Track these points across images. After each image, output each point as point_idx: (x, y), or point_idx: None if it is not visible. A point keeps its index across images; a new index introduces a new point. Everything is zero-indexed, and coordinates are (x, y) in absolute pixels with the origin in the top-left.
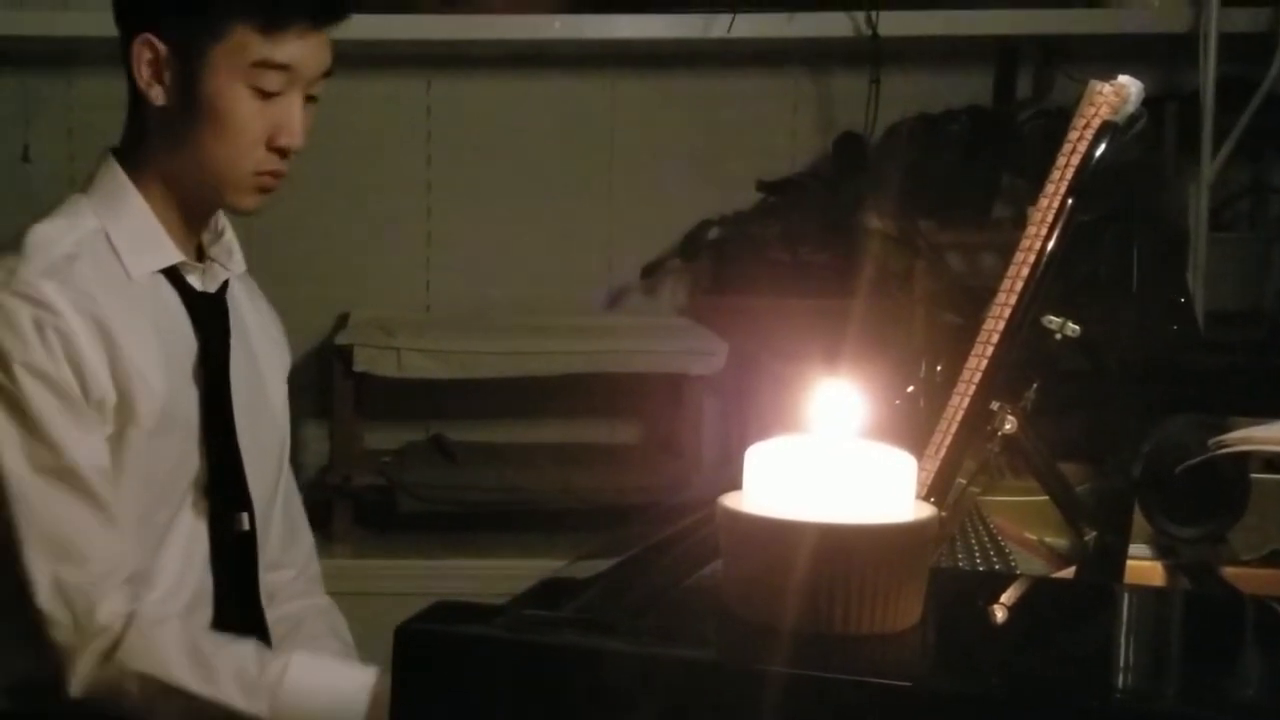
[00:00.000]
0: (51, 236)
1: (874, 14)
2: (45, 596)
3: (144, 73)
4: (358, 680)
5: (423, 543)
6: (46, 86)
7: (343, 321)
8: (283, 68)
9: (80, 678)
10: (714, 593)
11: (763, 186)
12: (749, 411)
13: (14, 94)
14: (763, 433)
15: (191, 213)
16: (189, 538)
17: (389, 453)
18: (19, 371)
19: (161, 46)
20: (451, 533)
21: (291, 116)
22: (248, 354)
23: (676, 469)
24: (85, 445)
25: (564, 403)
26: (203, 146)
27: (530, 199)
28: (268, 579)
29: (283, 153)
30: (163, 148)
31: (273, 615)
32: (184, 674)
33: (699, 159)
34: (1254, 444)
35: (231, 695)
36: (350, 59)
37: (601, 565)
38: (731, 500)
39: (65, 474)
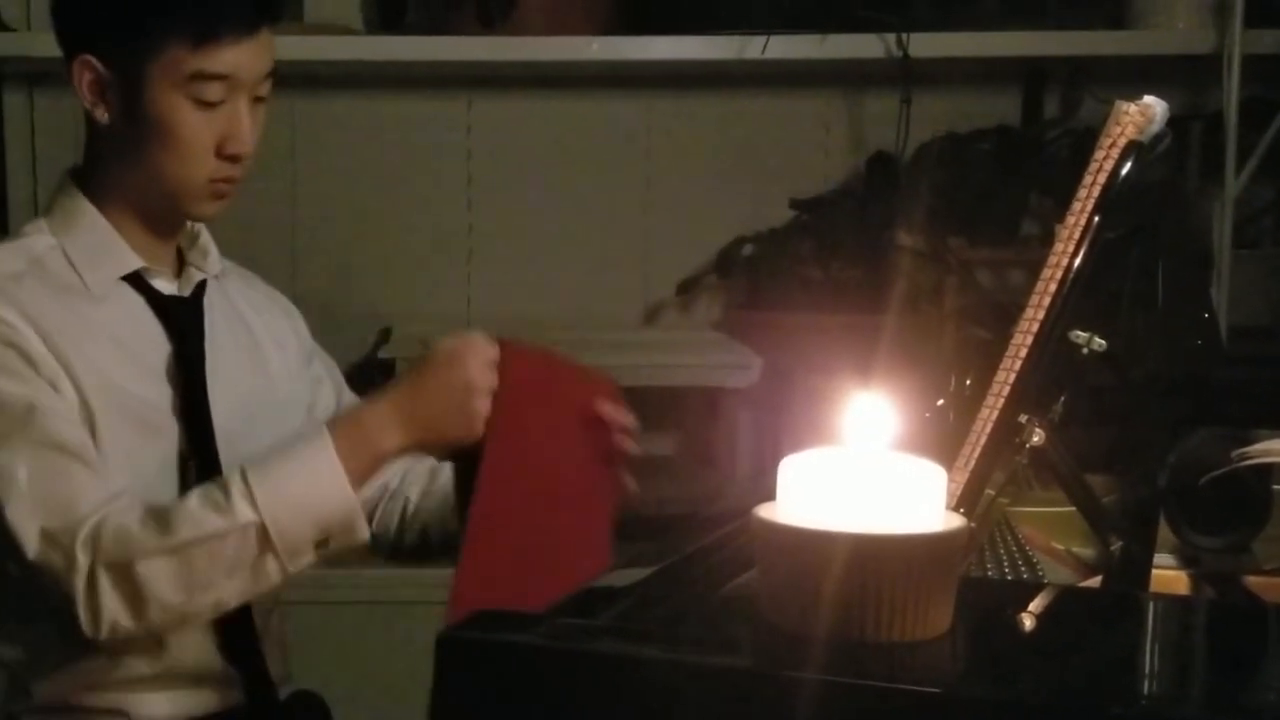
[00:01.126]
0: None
1: (905, 36)
2: (34, 548)
3: (87, 93)
4: (314, 444)
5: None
6: None
7: (386, 336)
8: (220, 77)
9: (89, 611)
10: (749, 601)
11: (796, 204)
12: (783, 424)
13: (66, 113)
14: (796, 445)
15: (157, 222)
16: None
17: None
18: None
19: (101, 66)
20: None
21: (237, 124)
22: (241, 342)
23: (712, 480)
24: (50, 407)
25: None
26: (153, 161)
27: (569, 216)
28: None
29: (234, 159)
30: (117, 164)
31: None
32: (154, 538)
33: (734, 177)
34: (1276, 456)
35: (215, 524)
36: (393, 80)
37: (638, 574)
38: (766, 511)
39: (34, 434)
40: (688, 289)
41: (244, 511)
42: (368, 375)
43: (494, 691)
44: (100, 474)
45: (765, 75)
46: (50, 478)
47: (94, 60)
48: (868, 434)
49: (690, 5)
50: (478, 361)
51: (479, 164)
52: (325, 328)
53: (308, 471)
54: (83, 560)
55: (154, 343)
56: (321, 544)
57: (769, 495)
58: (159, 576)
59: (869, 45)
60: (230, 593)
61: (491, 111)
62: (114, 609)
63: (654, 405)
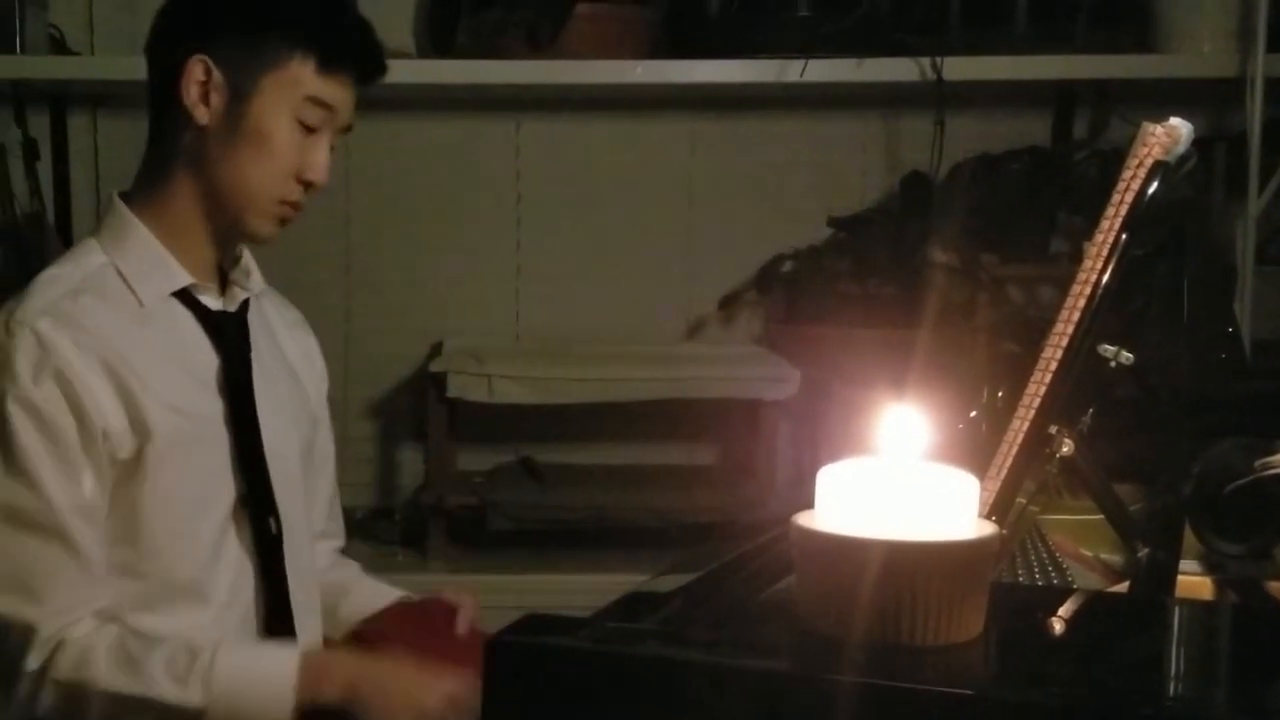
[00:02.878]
0: (55, 277)
1: (939, 60)
2: None
3: (193, 92)
4: (282, 655)
5: (512, 559)
6: None
7: (437, 350)
8: (327, 107)
9: (24, 699)
10: (788, 606)
11: (833, 222)
12: (820, 435)
13: (128, 135)
14: (834, 455)
15: (211, 240)
16: (238, 548)
17: (480, 474)
18: (10, 407)
19: (214, 68)
20: (540, 549)
21: (322, 155)
22: (283, 368)
23: (752, 489)
24: (67, 486)
25: (645, 426)
26: (239, 168)
27: (614, 234)
28: (318, 548)
29: (309, 185)
30: (190, 171)
31: (323, 582)
32: (114, 677)
33: (773, 196)
34: None
35: (167, 692)
36: (444, 102)
37: (681, 580)
38: (804, 519)
39: (38, 514)
40: (729, 304)
41: (195, 695)
42: (419, 388)
43: (542, 694)
44: (87, 563)
45: (804, 98)
46: (26, 560)
47: (209, 61)
48: (903, 444)
49: (731, 30)
50: (442, 697)
51: (527, 183)
52: (378, 342)
53: (262, 686)
54: (33, 662)
55: (203, 356)
56: None
57: (807, 503)
58: (101, 710)
59: (904, 69)
60: None
61: (539, 133)
62: (47, 712)
63: (696, 416)
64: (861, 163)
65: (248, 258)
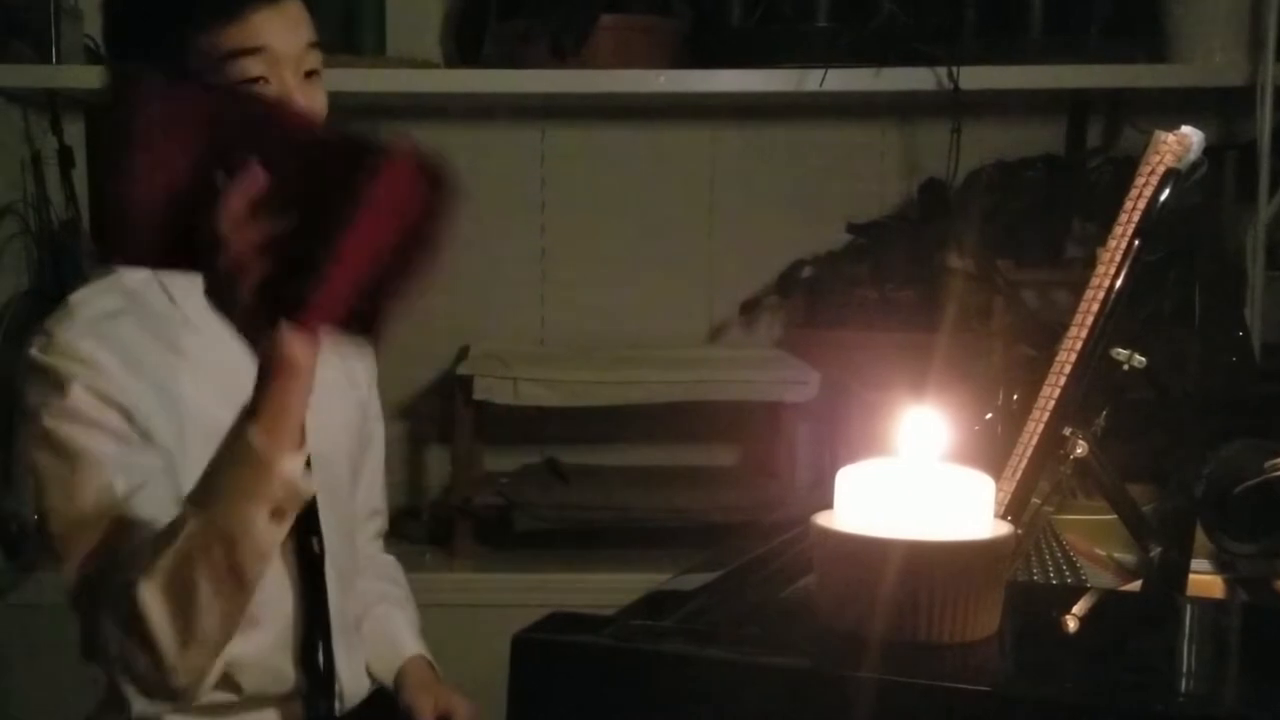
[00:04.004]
0: (91, 296)
1: (956, 69)
2: (71, 584)
3: None
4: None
5: (538, 558)
6: None
7: (463, 353)
8: (255, 50)
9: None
10: (807, 604)
11: (852, 228)
12: (840, 436)
13: None
14: (852, 456)
15: None
16: (279, 570)
17: (506, 475)
18: (58, 421)
19: None
20: (564, 549)
21: (299, 97)
22: (332, 366)
23: (772, 489)
24: (123, 478)
25: (668, 428)
26: None
27: (637, 240)
28: (366, 528)
29: None
30: None
31: (360, 585)
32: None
33: (793, 203)
34: None
35: (171, 535)
36: (471, 110)
37: (703, 579)
38: (824, 519)
39: (105, 506)
40: (750, 309)
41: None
42: (447, 390)
43: (566, 690)
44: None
45: (823, 106)
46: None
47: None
48: (920, 446)
49: (753, 40)
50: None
51: (552, 190)
52: (406, 345)
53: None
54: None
55: (247, 369)
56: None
57: (827, 504)
58: (150, 600)
59: (921, 78)
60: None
61: (564, 141)
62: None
63: (718, 418)
64: (879, 170)
65: None
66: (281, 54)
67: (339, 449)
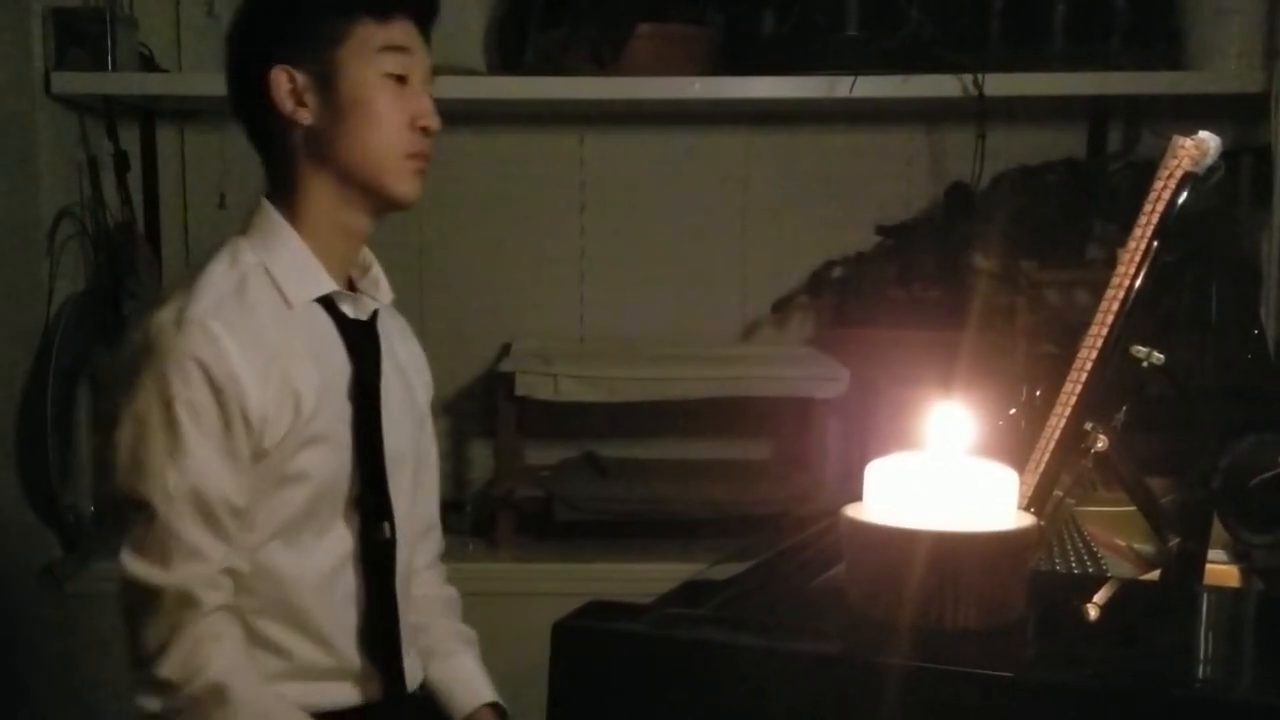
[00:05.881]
0: (218, 276)
1: (981, 76)
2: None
3: (287, 101)
4: None
5: (577, 548)
6: (241, 140)
7: (506, 351)
8: (401, 49)
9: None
10: (838, 593)
11: (881, 230)
12: (869, 431)
13: (213, 147)
14: (881, 450)
15: (344, 243)
16: (339, 544)
17: (547, 468)
18: (180, 409)
19: (296, 71)
20: (603, 539)
21: (423, 101)
22: (398, 373)
23: (803, 483)
24: (223, 479)
25: (703, 423)
26: (357, 141)
27: (673, 242)
28: (421, 545)
29: (425, 131)
30: (314, 166)
31: (410, 594)
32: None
33: (824, 205)
34: None
35: None
36: (512, 116)
37: (737, 569)
38: (853, 511)
39: (197, 501)
40: (782, 308)
41: None
42: (490, 386)
43: (605, 676)
44: (229, 540)
45: (853, 112)
46: (185, 538)
47: (289, 68)
48: (947, 440)
49: (785, 49)
50: None
51: (591, 194)
52: (449, 343)
53: None
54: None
55: (338, 362)
56: None
57: (856, 496)
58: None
59: (948, 85)
60: None
61: (602, 145)
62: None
63: (751, 414)
64: (907, 174)
65: (376, 269)
66: (420, 60)
67: (406, 454)
